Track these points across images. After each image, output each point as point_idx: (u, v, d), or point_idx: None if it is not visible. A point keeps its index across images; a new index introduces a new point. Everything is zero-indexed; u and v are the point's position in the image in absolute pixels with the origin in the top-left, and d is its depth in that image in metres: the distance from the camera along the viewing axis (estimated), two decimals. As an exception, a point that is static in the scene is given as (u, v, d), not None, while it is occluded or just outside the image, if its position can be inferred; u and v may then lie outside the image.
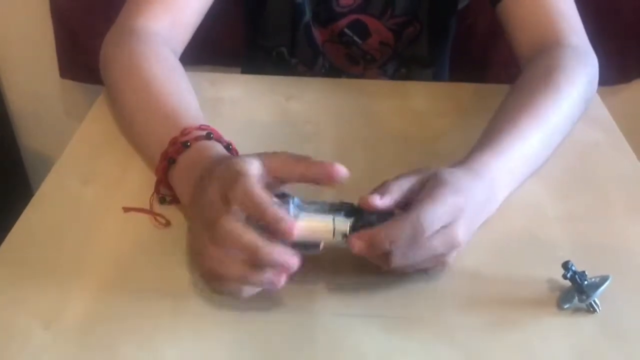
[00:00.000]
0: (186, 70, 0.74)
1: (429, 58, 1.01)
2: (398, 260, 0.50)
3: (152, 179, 0.63)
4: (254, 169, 0.50)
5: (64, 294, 0.53)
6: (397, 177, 0.54)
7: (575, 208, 0.64)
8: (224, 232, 0.47)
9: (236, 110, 0.79)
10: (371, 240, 0.49)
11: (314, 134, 0.75)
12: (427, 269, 0.53)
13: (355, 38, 0.96)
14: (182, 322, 0.51)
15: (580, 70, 0.72)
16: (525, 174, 0.66)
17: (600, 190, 0.67)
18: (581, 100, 0.71)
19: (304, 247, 0.50)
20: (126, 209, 0.61)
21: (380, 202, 0.51)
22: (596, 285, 0.52)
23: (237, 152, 0.62)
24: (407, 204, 0.52)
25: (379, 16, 0.94)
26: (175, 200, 0.62)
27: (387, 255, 0.50)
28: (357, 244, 0.49)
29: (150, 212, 0.61)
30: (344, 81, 0.91)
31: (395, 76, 1.00)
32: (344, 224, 0.50)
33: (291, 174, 0.51)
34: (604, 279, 0.53)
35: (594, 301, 0.53)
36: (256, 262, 0.47)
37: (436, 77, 1.04)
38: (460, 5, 1.03)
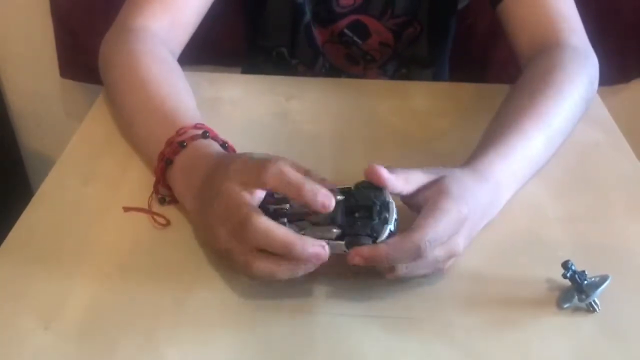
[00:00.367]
0: (186, 70, 0.74)
1: (429, 58, 1.01)
2: (401, 273, 0.51)
3: (152, 178, 0.63)
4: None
5: (64, 294, 0.53)
6: (409, 171, 0.55)
7: (575, 208, 0.64)
8: (256, 232, 0.48)
9: (236, 110, 0.79)
10: (372, 258, 0.49)
11: (314, 134, 0.75)
12: (424, 275, 0.54)
13: (355, 38, 0.96)
14: (182, 322, 0.51)
15: (580, 71, 0.72)
16: (528, 175, 0.66)
17: (600, 190, 0.67)
18: (582, 100, 0.71)
19: None
20: (126, 209, 0.61)
21: (387, 175, 0.52)
22: (596, 285, 0.52)
23: (234, 150, 0.62)
24: (410, 198, 0.54)
25: (379, 16, 0.94)
26: (174, 200, 0.62)
27: (390, 267, 0.51)
28: (356, 260, 0.49)
29: (150, 211, 0.61)
30: (344, 81, 0.91)
31: (395, 76, 1.00)
32: (338, 247, 0.51)
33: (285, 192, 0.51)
34: (603, 279, 0.53)
35: (594, 301, 0.53)
36: (291, 257, 0.48)
37: (436, 77, 1.04)
38: (460, 6, 1.03)
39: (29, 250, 0.58)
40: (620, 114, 0.82)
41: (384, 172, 0.52)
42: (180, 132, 0.61)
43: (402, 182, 0.53)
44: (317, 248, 0.48)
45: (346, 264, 0.50)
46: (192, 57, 0.81)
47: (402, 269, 0.51)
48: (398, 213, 0.52)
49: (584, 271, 0.53)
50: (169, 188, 0.61)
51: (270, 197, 0.53)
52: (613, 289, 0.53)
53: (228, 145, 0.62)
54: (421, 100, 0.82)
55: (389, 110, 0.80)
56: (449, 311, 0.53)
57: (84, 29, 1.30)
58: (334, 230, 0.51)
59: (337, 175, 0.61)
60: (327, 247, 0.49)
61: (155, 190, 0.62)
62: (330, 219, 0.51)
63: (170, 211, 0.61)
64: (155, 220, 0.60)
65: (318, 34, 0.96)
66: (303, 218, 0.52)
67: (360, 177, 0.54)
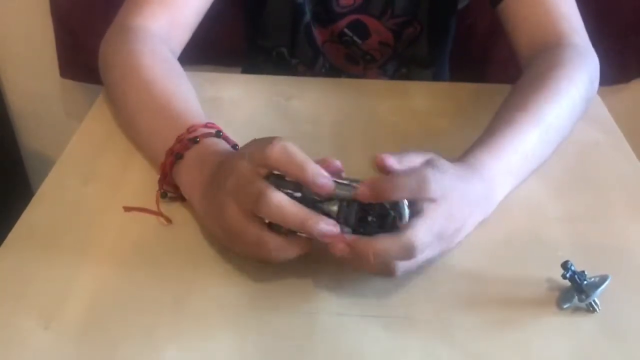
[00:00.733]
0: (186, 70, 0.74)
1: (429, 58, 1.01)
2: (400, 272, 0.51)
3: (153, 178, 0.63)
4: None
5: (64, 294, 0.53)
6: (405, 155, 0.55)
7: (575, 208, 0.64)
8: (270, 206, 0.49)
9: (236, 110, 0.79)
10: (355, 248, 0.49)
11: (314, 134, 0.75)
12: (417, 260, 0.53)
13: (355, 38, 0.96)
14: (183, 321, 0.51)
15: (580, 69, 0.72)
16: (525, 172, 0.66)
17: (600, 190, 0.67)
18: (581, 98, 0.71)
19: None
20: (127, 209, 0.61)
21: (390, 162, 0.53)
22: (596, 285, 0.52)
23: None
24: None
25: (379, 16, 0.94)
26: (176, 197, 0.62)
27: (388, 269, 0.51)
28: (340, 246, 0.50)
29: (151, 211, 0.61)
30: (344, 81, 0.91)
31: (395, 76, 1.00)
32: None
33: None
34: (603, 279, 0.53)
35: (594, 301, 0.53)
36: (303, 231, 0.49)
37: (436, 77, 1.04)
38: (460, 6, 1.03)
39: (29, 250, 0.58)
40: (620, 114, 0.82)
41: (389, 163, 0.53)
42: (191, 130, 0.61)
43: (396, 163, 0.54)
44: (330, 226, 0.49)
45: (346, 264, 0.50)
46: (192, 57, 0.81)
47: (401, 269, 0.51)
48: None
49: (583, 271, 0.53)
50: (174, 186, 0.61)
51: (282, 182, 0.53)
52: (613, 289, 0.53)
53: (238, 148, 0.62)
54: (421, 100, 0.82)
55: (389, 110, 0.80)
56: (449, 311, 0.53)
57: (84, 29, 1.30)
58: (345, 229, 0.51)
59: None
60: (338, 227, 0.49)
61: (160, 187, 0.62)
62: (343, 219, 0.51)
63: (171, 210, 0.61)
64: (157, 219, 0.60)
65: (318, 34, 0.96)
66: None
67: (361, 177, 0.53)
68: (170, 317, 0.52)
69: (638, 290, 0.55)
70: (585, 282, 0.52)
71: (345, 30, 0.95)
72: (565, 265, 0.53)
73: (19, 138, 1.57)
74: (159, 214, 0.60)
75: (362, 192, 0.49)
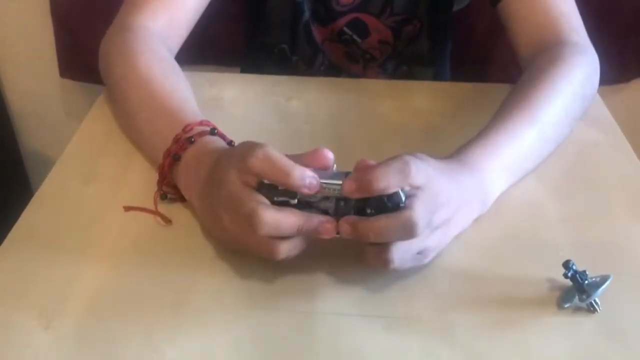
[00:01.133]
0: (186, 70, 0.74)
1: (429, 57, 1.01)
2: (396, 262, 0.51)
3: (153, 178, 0.63)
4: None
5: (64, 294, 0.53)
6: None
7: (575, 208, 0.64)
8: (265, 225, 0.49)
9: (236, 110, 0.79)
10: (356, 228, 0.50)
11: (314, 134, 0.75)
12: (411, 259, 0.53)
13: (355, 37, 0.96)
14: (183, 321, 0.51)
15: (576, 67, 0.72)
16: (522, 169, 0.66)
17: (600, 190, 0.67)
18: (578, 96, 0.71)
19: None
20: (127, 209, 0.61)
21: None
22: (597, 285, 0.52)
23: None
24: None
25: (378, 14, 0.94)
26: (176, 198, 0.62)
27: (384, 257, 0.51)
28: (344, 227, 0.50)
29: (151, 211, 0.61)
30: (344, 81, 0.91)
31: (395, 74, 1.00)
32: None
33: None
34: (604, 279, 0.53)
35: (595, 301, 0.53)
36: (303, 234, 0.50)
37: (437, 77, 1.04)
38: (460, 5, 1.03)
39: (29, 250, 0.58)
40: (620, 113, 0.82)
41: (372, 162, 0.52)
42: (187, 129, 0.61)
43: None
44: (325, 224, 0.50)
45: (346, 264, 0.50)
46: (192, 56, 0.81)
47: (397, 261, 0.51)
48: None
49: (584, 271, 0.53)
50: (174, 186, 0.61)
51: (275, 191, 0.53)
52: (614, 289, 0.53)
53: (234, 144, 0.62)
54: (422, 99, 0.82)
55: (389, 109, 0.80)
56: (449, 311, 0.53)
57: (84, 29, 1.30)
58: None
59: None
60: (335, 223, 0.50)
61: (160, 188, 0.62)
62: (341, 215, 0.51)
63: (171, 210, 0.61)
64: (156, 220, 0.60)
65: (317, 32, 0.96)
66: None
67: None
68: (170, 316, 0.52)
69: (638, 291, 0.55)
70: (586, 282, 0.52)
71: (345, 28, 0.95)
72: (567, 265, 0.53)
73: (19, 138, 1.57)
74: (158, 214, 0.60)
75: (349, 186, 0.49)
